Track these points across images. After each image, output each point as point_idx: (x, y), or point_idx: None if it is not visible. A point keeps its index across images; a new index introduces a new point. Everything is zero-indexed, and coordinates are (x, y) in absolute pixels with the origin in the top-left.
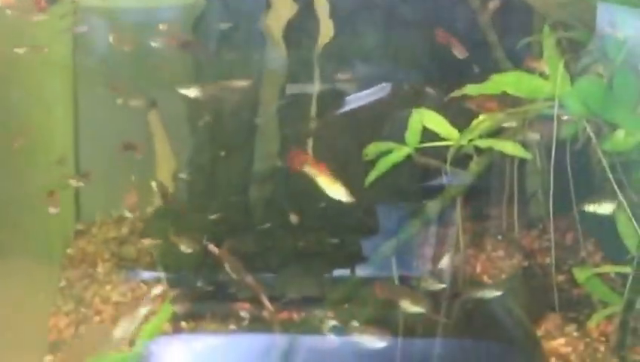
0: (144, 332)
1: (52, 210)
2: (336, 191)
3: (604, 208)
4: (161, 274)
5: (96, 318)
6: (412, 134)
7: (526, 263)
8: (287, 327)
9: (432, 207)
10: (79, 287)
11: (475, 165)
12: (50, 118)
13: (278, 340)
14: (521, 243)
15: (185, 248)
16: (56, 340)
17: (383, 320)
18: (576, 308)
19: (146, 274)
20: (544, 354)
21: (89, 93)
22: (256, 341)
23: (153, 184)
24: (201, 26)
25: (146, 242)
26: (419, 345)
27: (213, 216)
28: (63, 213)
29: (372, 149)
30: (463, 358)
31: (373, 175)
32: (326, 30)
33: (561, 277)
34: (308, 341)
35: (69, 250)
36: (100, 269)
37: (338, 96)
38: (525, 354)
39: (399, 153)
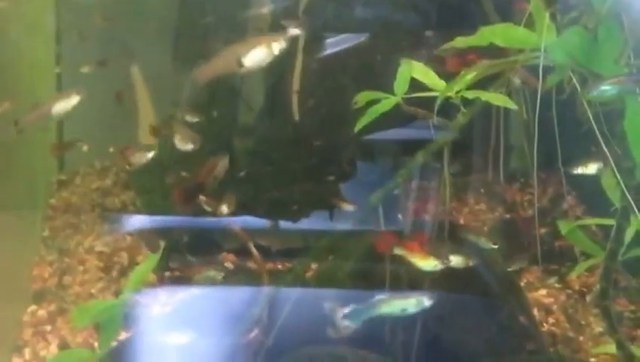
0: (130, 282)
1: None
2: (430, 264)
3: (590, 167)
4: (146, 226)
5: (80, 268)
6: (400, 84)
7: (508, 216)
8: (274, 277)
9: (419, 158)
10: (62, 237)
11: (462, 117)
12: (34, 71)
13: (264, 290)
14: (503, 196)
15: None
16: (40, 289)
17: (367, 272)
18: (558, 260)
19: (130, 225)
20: (529, 305)
21: (72, 46)
22: (240, 291)
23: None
24: None
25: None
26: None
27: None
28: (46, 163)
29: (361, 98)
30: (448, 309)
31: (362, 122)
32: None
33: (543, 230)
34: (292, 291)
35: (52, 200)
36: (84, 220)
37: (321, 44)
38: (510, 305)
39: (388, 102)
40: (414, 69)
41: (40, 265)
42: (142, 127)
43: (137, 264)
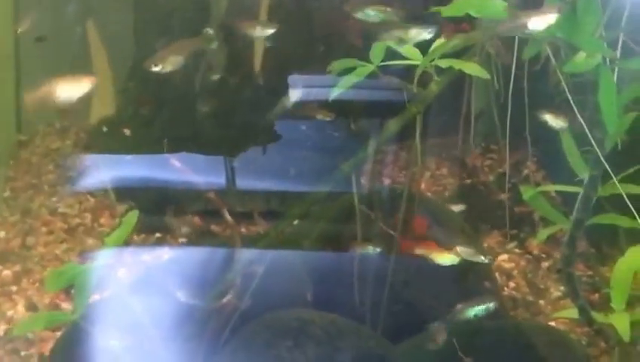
0: (107, 242)
1: None
2: (450, 259)
3: (558, 123)
4: (108, 186)
5: (44, 229)
6: (376, 52)
7: (469, 181)
8: (247, 241)
9: (393, 125)
10: (24, 198)
11: (435, 85)
12: None
13: (237, 253)
14: (465, 161)
15: None
16: (3, 250)
17: (337, 235)
18: (518, 226)
19: (92, 186)
20: (491, 270)
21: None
22: (210, 254)
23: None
24: None
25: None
26: (374, 259)
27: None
28: (4, 122)
29: (337, 65)
30: (414, 272)
31: (336, 90)
32: None
33: (503, 196)
34: (264, 254)
35: (11, 161)
36: (45, 181)
37: None
38: (474, 269)
39: (363, 70)
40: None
41: (3, 225)
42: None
43: (101, 225)
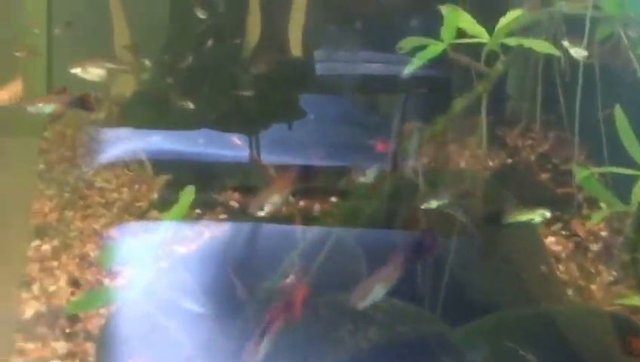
0: (168, 216)
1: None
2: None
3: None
4: (146, 161)
5: (81, 203)
6: (448, 30)
7: (510, 160)
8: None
9: (458, 103)
10: (59, 171)
11: (501, 64)
12: None
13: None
14: (505, 140)
15: None
16: (41, 224)
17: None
18: (560, 207)
19: (128, 159)
20: (541, 238)
21: None
22: (270, 231)
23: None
24: None
25: None
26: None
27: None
28: (36, 93)
29: (406, 43)
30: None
31: (409, 68)
32: None
33: (544, 176)
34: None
35: (45, 133)
36: (79, 153)
37: None
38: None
39: (435, 48)
40: (460, 18)
41: (39, 199)
42: (116, 44)
43: (138, 200)
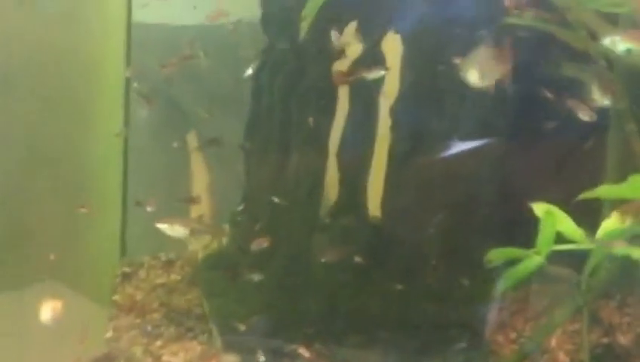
0: None
1: None
2: None
3: None
4: (215, 332)
5: None
6: (544, 239)
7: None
8: None
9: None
10: (126, 340)
11: (606, 272)
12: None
13: None
14: None
15: None
16: None
17: None
18: None
19: (197, 329)
20: None
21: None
22: None
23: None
24: None
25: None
26: None
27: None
28: (108, 251)
29: (496, 256)
30: None
31: (503, 285)
32: None
33: None
34: None
35: (115, 297)
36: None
37: None
38: None
39: (530, 263)
40: (559, 221)
41: None
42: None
43: None
